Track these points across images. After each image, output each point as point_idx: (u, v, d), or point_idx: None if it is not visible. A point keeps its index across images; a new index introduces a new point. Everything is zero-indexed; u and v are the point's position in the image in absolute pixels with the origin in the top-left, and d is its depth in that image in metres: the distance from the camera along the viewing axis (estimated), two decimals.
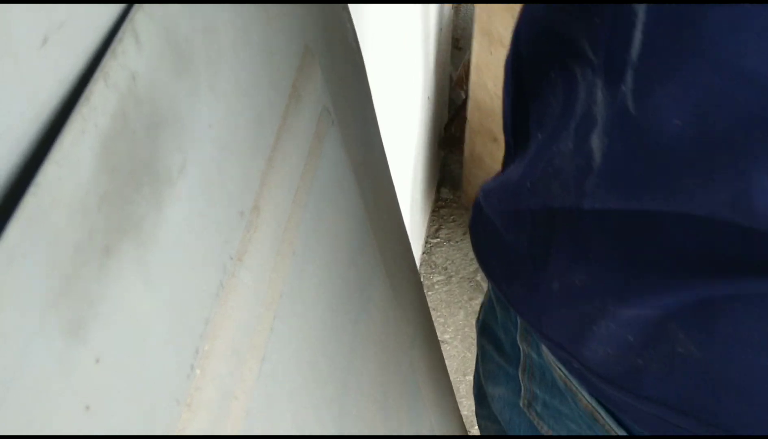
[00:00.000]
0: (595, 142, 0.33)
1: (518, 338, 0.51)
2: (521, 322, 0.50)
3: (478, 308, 1.91)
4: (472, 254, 1.76)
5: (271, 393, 0.30)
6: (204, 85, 0.27)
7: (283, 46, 0.36)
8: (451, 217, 1.87)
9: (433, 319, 1.76)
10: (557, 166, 0.36)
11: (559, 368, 0.45)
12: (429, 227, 1.83)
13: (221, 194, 0.29)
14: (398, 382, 0.56)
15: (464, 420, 1.49)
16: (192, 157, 0.26)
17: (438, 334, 1.67)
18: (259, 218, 0.31)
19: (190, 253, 0.26)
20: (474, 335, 1.81)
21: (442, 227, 1.81)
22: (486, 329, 0.60)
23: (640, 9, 0.28)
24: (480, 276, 1.72)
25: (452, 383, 1.66)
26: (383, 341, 0.51)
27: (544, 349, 0.47)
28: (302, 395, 0.33)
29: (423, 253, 1.78)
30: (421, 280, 1.73)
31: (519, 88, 0.42)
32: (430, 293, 1.70)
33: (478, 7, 1.19)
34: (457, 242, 1.78)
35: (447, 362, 1.59)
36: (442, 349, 1.72)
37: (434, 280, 1.70)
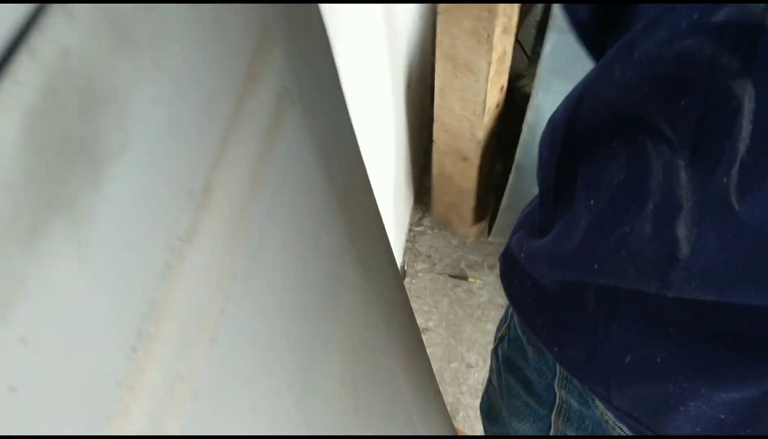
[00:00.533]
0: (682, 230, 0.31)
1: (555, 384, 0.50)
2: (562, 370, 0.48)
3: (462, 295, 1.91)
4: (455, 242, 1.76)
5: (221, 375, 0.29)
6: (148, 62, 0.27)
7: (239, 25, 0.35)
8: None
9: (417, 307, 1.76)
10: (632, 248, 0.34)
11: (620, 428, 0.44)
12: (413, 215, 1.82)
13: (167, 174, 0.28)
14: (371, 366, 0.56)
15: (449, 407, 1.49)
16: (134, 135, 0.26)
17: (422, 322, 1.67)
18: (211, 199, 0.31)
19: (132, 233, 0.25)
20: (458, 322, 1.81)
21: (426, 215, 1.81)
22: (512, 366, 0.58)
23: (746, 97, 0.26)
24: (464, 264, 1.72)
25: (437, 371, 1.66)
26: (354, 324, 0.50)
27: (599, 405, 0.45)
28: (259, 378, 0.33)
29: (407, 241, 1.78)
30: (405, 268, 1.73)
31: (568, 149, 0.40)
32: (414, 281, 1.69)
33: (439, 32, 1.18)
34: (440, 230, 1.77)
35: (431, 350, 1.59)
36: (426, 337, 1.72)
37: (418, 268, 1.70)
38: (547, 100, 1.19)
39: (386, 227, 0.65)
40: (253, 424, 0.32)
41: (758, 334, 0.30)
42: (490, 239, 1.73)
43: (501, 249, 0.59)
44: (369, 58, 1.06)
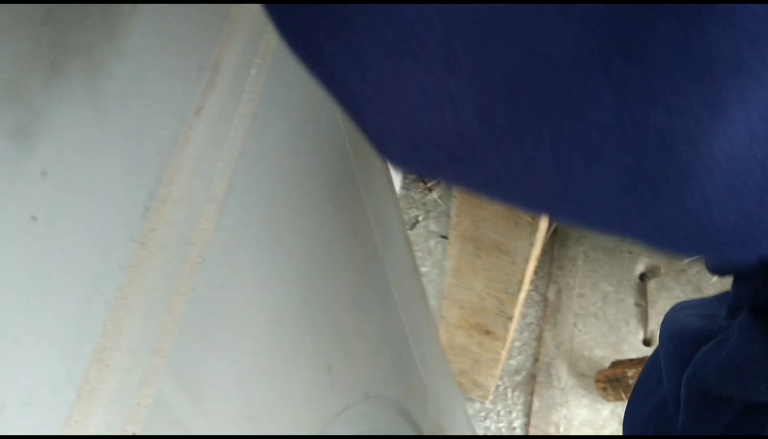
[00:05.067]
0: None
1: None
2: None
3: None
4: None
5: (230, 246, 0.30)
6: None
7: None
8: None
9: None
10: None
11: None
12: None
13: (179, 45, 0.28)
14: (368, 280, 0.57)
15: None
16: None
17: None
18: (219, 76, 0.31)
19: (146, 95, 0.26)
20: None
21: None
22: None
23: None
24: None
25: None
26: (351, 236, 0.51)
27: None
28: (266, 257, 0.34)
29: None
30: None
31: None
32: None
33: (456, 214, 0.96)
34: None
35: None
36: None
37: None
38: None
39: None
40: (258, 300, 0.33)
41: None
42: None
43: None
44: None
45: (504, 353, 1.14)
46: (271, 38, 0.35)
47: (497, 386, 1.28)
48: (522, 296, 1.02)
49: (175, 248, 0.26)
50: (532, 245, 0.89)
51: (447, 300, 1.09)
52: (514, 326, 1.08)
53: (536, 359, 1.30)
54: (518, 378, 1.29)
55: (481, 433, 1.24)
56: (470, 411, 1.26)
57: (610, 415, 1.23)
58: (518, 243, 0.90)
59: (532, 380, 1.28)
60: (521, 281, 0.97)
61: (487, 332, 1.13)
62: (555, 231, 1.39)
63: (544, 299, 1.34)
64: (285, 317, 0.37)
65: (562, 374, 1.28)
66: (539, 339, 1.32)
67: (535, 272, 1.39)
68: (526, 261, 0.92)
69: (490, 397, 1.27)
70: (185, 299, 0.27)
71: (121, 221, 0.24)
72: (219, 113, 0.30)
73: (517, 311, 1.05)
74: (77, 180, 0.21)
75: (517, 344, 1.32)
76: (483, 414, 1.26)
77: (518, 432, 1.23)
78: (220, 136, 0.30)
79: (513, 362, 1.30)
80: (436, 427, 0.85)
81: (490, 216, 0.88)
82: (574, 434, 1.23)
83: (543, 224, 0.88)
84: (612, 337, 1.30)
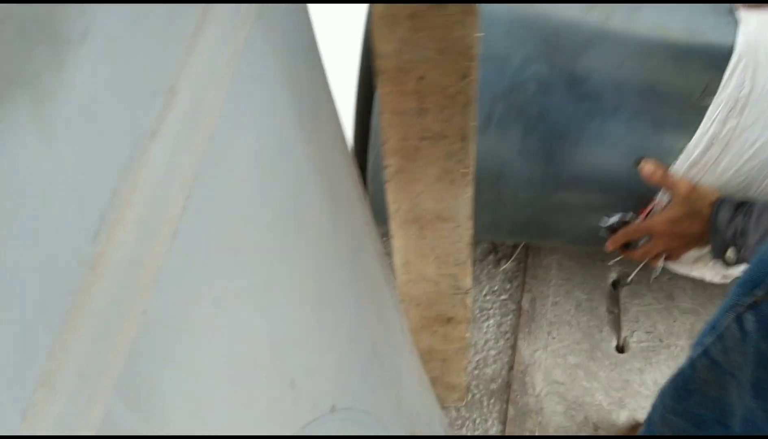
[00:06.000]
0: None
1: None
2: None
3: None
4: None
5: (183, 268, 0.30)
6: None
7: None
8: None
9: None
10: None
11: None
12: None
13: (132, 70, 0.29)
14: (335, 292, 0.58)
15: None
16: (97, 26, 0.26)
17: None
18: (175, 100, 0.31)
19: (96, 122, 0.26)
20: None
21: None
22: None
23: None
24: None
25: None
26: (317, 248, 0.52)
27: None
28: (221, 277, 0.34)
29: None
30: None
31: None
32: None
33: (393, 200, 0.94)
34: None
35: None
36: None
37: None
38: None
39: None
40: (215, 320, 0.34)
41: None
42: None
43: None
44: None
45: (468, 336, 1.16)
46: (230, 60, 0.36)
47: (473, 395, 1.29)
48: (470, 263, 1.03)
49: (125, 271, 0.27)
50: (470, 197, 0.90)
51: (403, 302, 1.09)
52: (470, 300, 1.08)
53: (511, 368, 1.31)
54: (494, 386, 1.30)
55: None
56: (445, 421, 1.27)
57: (584, 421, 1.25)
58: (457, 201, 0.91)
59: (507, 388, 1.29)
60: (468, 244, 0.98)
61: (449, 320, 1.14)
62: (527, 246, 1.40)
63: (519, 308, 1.36)
64: (243, 334, 0.37)
65: (537, 382, 1.29)
66: (514, 347, 1.33)
67: (510, 281, 1.40)
68: (468, 218, 0.93)
69: (466, 399, 1.28)
70: (136, 320, 0.27)
71: (69, 246, 0.24)
72: (175, 137, 0.31)
73: (470, 281, 1.05)
74: (23, 209, 0.22)
75: (492, 352, 1.33)
76: (459, 422, 1.27)
77: None
78: (176, 160, 0.31)
79: (488, 370, 1.31)
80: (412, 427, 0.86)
81: (426, 186, 0.89)
82: (574, 434, 1.24)
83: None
84: (585, 344, 1.32)
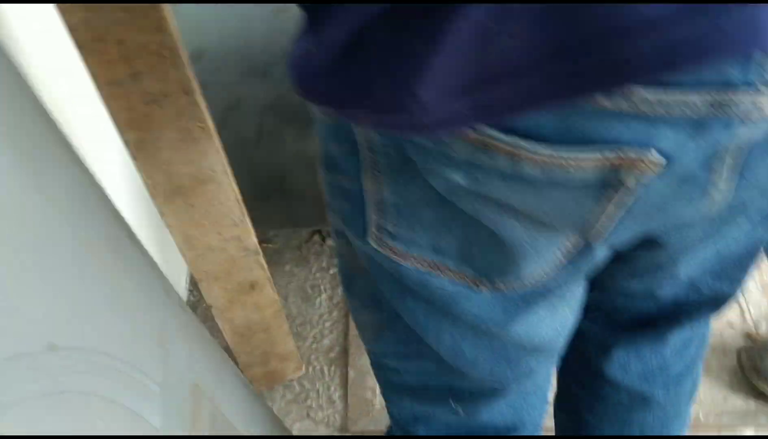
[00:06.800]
0: None
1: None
2: None
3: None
4: None
5: None
6: None
7: None
8: None
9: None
10: None
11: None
12: None
13: None
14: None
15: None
16: None
17: None
18: None
19: None
20: None
21: None
22: None
23: None
24: None
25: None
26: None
27: None
28: None
29: None
30: None
31: None
32: None
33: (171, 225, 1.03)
34: None
35: None
36: None
37: None
38: None
39: None
40: None
41: None
42: None
43: None
44: None
45: (277, 298, 1.13)
46: None
47: (314, 367, 1.34)
48: (248, 220, 0.98)
49: None
50: (218, 151, 0.88)
51: (202, 282, 1.05)
52: (262, 258, 1.05)
53: (346, 334, 1.37)
54: (332, 355, 1.35)
55: (304, 412, 1.29)
56: (290, 396, 1.31)
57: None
58: (209, 159, 0.88)
59: (345, 354, 1.35)
60: (238, 200, 0.95)
61: (252, 286, 1.10)
62: None
63: None
64: None
65: None
66: (347, 316, 1.39)
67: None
68: (226, 173, 0.91)
69: (303, 367, 1.31)
70: None
71: None
72: None
73: (255, 240, 1.02)
74: None
75: (327, 324, 1.38)
76: (303, 395, 1.31)
77: (338, 404, 1.29)
78: None
79: (326, 341, 1.36)
80: (195, 387, 0.89)
81: (172, 152, 0.86)
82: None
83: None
84: None
